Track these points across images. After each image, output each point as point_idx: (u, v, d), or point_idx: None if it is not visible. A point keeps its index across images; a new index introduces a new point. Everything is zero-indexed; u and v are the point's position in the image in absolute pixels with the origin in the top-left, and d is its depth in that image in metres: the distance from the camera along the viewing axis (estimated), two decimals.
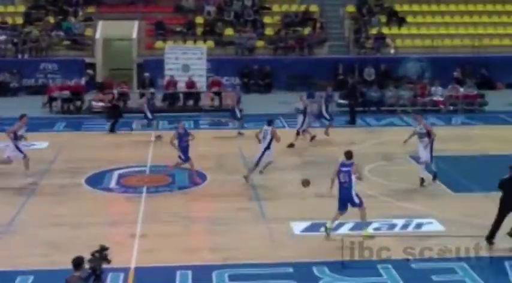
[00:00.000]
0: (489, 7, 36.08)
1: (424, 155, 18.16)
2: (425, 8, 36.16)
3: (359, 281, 12.61)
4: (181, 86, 29.27)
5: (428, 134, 18.23)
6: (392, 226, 15.23)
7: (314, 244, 14.40)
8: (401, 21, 35.14)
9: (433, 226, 15.24)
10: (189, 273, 12.92)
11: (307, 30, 34.43)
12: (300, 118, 22.78)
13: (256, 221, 15.81)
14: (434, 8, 36.14)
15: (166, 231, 15.08)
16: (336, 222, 14.77)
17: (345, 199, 14.59)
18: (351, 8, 35.71)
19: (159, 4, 35.61)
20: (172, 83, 29.18)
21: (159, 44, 32.99)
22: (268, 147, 18.67)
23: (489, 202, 16.94)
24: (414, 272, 12.89)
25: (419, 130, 18.36)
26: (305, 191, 17.89)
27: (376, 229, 15.08)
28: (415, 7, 36.11)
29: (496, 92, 31.34)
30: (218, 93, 29.52)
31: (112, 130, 24.66)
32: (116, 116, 25.07)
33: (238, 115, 24.50)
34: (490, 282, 12.44)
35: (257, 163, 18.69)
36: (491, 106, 28.82)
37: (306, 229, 15.13)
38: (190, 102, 29.27)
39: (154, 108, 25.20)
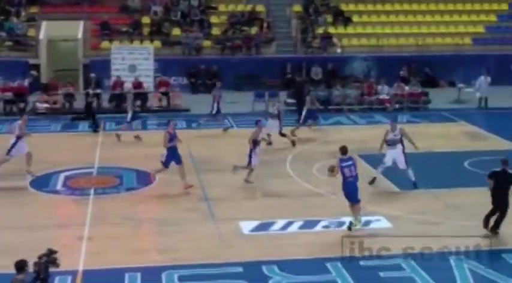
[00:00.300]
0: (432, 6, 36.66)
1: (388, 160, 17.99)
2: (370, 7, 36.56)
3: (309, 279, 12.69)
4: (128, 87, 28.99)
5: (401, 140, 18.10)
6: (341, 224, 15.35)
7: (263, 243, 14.44)
8: (347, 21, 35.46)
9: (381, 223, 15.42)
10: (138, 274, 12.84)
11: (254, 30, 34.50)
12: (275, 122, 22.67)
13: (205, 221, 15.77)
14: (379, 7, 36.56)
15: (114, 233, 14.94)
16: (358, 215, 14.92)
17: (350, 193, 14.81)
18: (297, 8, 35.90)
19: (104, 4, 35.18)
20: (119, 83, 28.88)
21: (105, 44, 32.63)
22: (253, 145, 18.44)
23: (434, 199, 17.30)
24: (362, 269, 13.03)
25: (394, 137, 18.07)
26: (253, 191, 17.99)
27: (324, 227, 15.20)
28: (361, 6, 36.49)
29: (438, 90, 31.88)
30: (166, 94, 29.36)
31: (96, 130, 24.72)
32: (89, 113, 25.21)
33: (213, 111, 24.72)
34: (436, 278, 12.64)
35: (251, 164, 18.40)
36: (435, 104, 29.33)
37: (255, 229, 15.16)
38: (138, 103, 28.99)
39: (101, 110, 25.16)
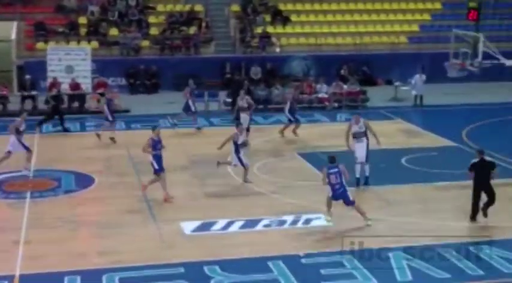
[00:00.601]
0: (368, 6, 37.14)
1: (360, 155, 17.98)
2: (308, 7, 36.80)
3: (251, 278, 12.69)
4: (65, 88, 28.55)
5: (366, 133, 18.15)
6: (282, 222, 15.42)
7: (205, 243, 14.38)
8: (285, 20, 35.64)
9: (322, 221, 15.50)
10: (78, 278, 12.64)
11: (192, 30, 34.38)
12: (246, 116, 22.79)
13: (146, 222, 15.63)
14: (317, 7, 36.83)
15: (52, 236, 14.67)
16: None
17: (339, 198, 15.19)
18: (235, 8, 35.91)
19: (38, 4, 34.52)
20: (56, 84, 28.38)
21: (40, 45, 32.03)
22: (235, 148, 18.34)
23: (375, 196, 17.51)
24: (304, 267, 13.10)
25: (359, 129, 18.13)
26: (194, 191, 17.88)
27: (266, 226, 15.23)
28: (299, 6, 36.70)
29: (376, 88, 32.33)
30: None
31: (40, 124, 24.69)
32: (53, 114, 25.22)
33: (193, 108, 24.75)
34: (376, 274, 12.78)
35: (244, 166, 18.33)
36: (372, 102, 29.73)
37: (197, 229, 15.10)
38: (76, 104, 28.58)
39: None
